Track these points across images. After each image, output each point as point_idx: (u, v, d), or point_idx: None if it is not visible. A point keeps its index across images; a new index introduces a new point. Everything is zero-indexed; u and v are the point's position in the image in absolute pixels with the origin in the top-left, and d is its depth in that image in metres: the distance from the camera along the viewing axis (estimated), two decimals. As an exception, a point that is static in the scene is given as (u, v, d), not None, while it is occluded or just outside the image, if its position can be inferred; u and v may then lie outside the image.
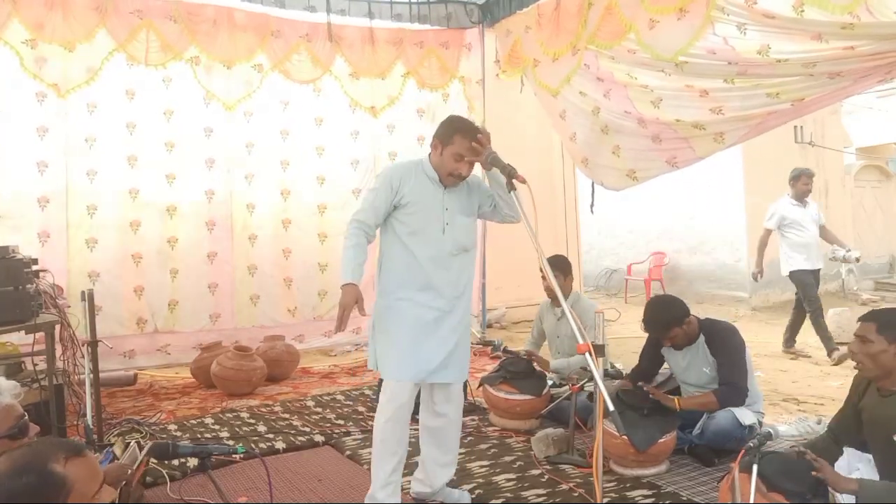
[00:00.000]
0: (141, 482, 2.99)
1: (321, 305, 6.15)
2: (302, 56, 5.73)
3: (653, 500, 3.02)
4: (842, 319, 6.87)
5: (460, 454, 3.55)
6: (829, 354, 5.86)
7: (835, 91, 3.82)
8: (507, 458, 3.55)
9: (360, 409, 4.42)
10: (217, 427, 4.16)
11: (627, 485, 3.17)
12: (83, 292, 3.82)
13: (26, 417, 2.19)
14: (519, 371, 4.07)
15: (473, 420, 4.20)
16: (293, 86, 5.81)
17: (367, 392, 4.78)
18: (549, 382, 4.21)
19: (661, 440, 3.24)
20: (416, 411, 3.01)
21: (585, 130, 5.15)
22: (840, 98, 4.05)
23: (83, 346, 3.86)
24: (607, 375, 3.89)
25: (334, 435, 3.93)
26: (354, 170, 6.20)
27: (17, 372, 3.84)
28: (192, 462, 3.19)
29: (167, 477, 3.18)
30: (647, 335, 3.83)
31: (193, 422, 4.28)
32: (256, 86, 5.66)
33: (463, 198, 2.98)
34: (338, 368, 5.84)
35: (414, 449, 3.13)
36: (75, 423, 3.78)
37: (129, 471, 2.56)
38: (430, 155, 2.97)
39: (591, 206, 5.54)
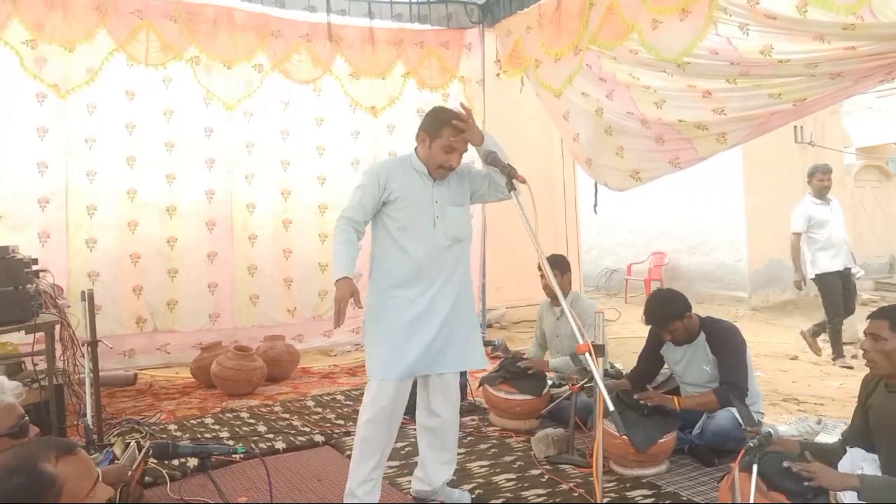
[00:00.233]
0: (140, 482, 2.99)
1: (321, 305, 6.15)
2: (302, 56, 5.72)
3: (653, 500, 3.02)
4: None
5: (460, 454, 3.55)
6: (834, 360, 5.84)
7: (836, 91, 3.82)
8: (507, 458, 3.55)
9: (360, 409, 4.42)
10: (217, 427, 4.16)
11: (627, 485, 3.17)
12: (83, 292, 3.82)
13: (27, 418, 2.20)
14: (519, 371, 4.07)
15: (473, 420, 4.20)
16: (293, 86, 5.80)
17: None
18: (549, 382, 4.21)
19: (661, 440, 3.24)
20: (409, 411, 3.00)
21: (588, 131, 5.15)
22: (841, 98, 4.06)
23: (83, 345, 3.86)
24: (607, 375, 3.89)
25: (334, 435, 3.93)
26: (355, 170, 6.20)
27: (17, 372, 3.84)
28: (192, 462, 3.19)
29: (167, 477, 3.18)
30: (646, 336, 3.84)
31: (193, 422, 4.28)
32: (256, 86, 5.66)
33: (453, 188, 2.95)
34: (338, 368, 5.84)
35: (414, 448, 3.14)
36: (75, 423, 3.77)
37: (129, 471, 2.57)
38: (416, 149, 2.94)
39: (595, 206, 5.54)
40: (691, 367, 3.59)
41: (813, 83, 3.79)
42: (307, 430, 4.04)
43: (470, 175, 3.03)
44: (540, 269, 3.98)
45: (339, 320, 2.64)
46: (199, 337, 5.65)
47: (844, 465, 2.49)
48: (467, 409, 4.43)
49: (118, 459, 3.08)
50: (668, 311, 3.51)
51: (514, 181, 2.67)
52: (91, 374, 3.63)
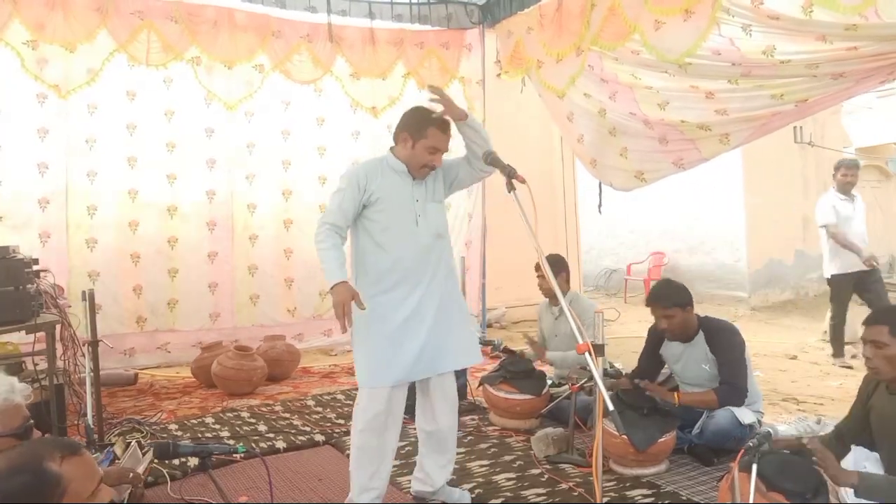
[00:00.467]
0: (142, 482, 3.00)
1: (322, 305, 6.15)
2: (303, 56, 5.73)
3: (652, 499, 3.02)
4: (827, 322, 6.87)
5: (460, 454, 3.56)
6: (834, 358, 5.83)
7: (838, 92, 3.83)
8: (507, 458, 3.56)
9: (361, 408, 4.43)
10: (218, 426, 4.16)
11: (627, 484, 3.18)
12: (84, 292, 3.82)
13: (32, 421, 2.21)
14: (519, 371, 4.08)
15: (473, 420, 4.21)
16: (294, 86, 5.81)
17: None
18: (549, 382, 4.22)
19: (661, 440, 3.25)
20: (409, 410, 2.98)
21: (592, 132, 5.17)
22: (843, 99, 4.07)
23: (84, 345, 3.87)
24: (607, 375, 3.90)
25: (335, 434, 3.93)
26: (356, 170, 6.21)
27: (17, 372, 3.83)
28: (193, 461, 3.20)
29: (168, 476, 3.19)
30: (645, 337, 3.85)
31: (194, 421, 4.29)
32: (257, 86, 5.67)
33: (430, 184, 2.94)
34: (338, 368, 5.85)
35: (413, 448, 3.14)
36: (76, 422, 3.78)
37: (132, 473, 2.57)
38: (393, 149, 2.91)
39: (599, 206, 5.55)
40: (690, 365, 3.59)
41: (815, 84, 3.80)
42: (308, 429, 4.04)
43: (447, 168, 2.99)
44: (537, 268, 4.00)
45: (345, 323, 2.57)
46: (199, 336, 5.67)
47: (847, 463, 2.49)
48: (467, 408, 4.43)
49: (119, 459, 3.09)
50: (672, 294, 3.53)
51: (514, 181, 2.66)
52: (92, 374, 3.64)
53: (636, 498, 3.03)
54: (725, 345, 3.48)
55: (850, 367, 5.61)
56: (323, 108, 6.06)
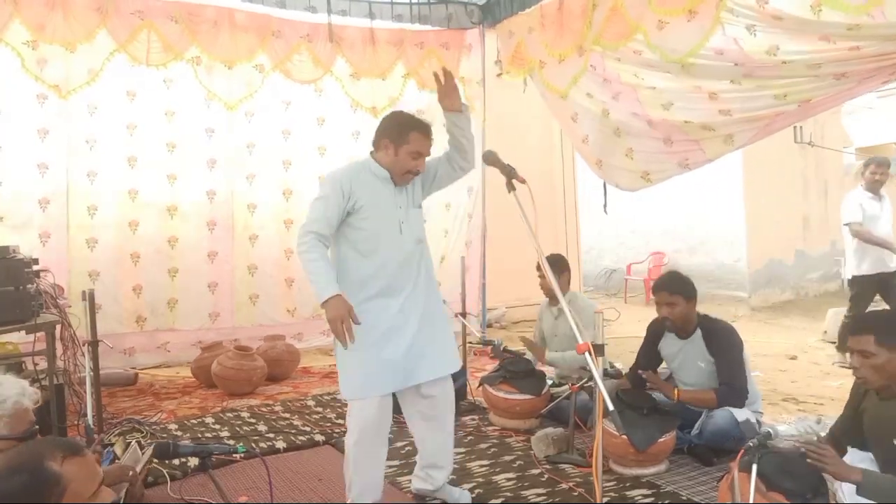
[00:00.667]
0: (142, 482, 3.00)
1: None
2: (303, 56, 5.73)
3: (652, 499, 3.02)
4: (841, 319, 6.86)
5: (460, 453, 3.57)
6: (839, 352, 5.74)
7: (840, 92, 3.83)
8: (507, 458, 3.56)
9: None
10: (218, 426, 4.16)
11: (627, 484, 3.18)
12: (84, 292, 3.82)
13: (37, 427, 2.22)
14: (519, 371, 4.08)
15: (473, 420, 4.21)
16: (294, 86, 5.81)
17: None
18: (549, 382, 4.22)
19: (661, 440, 3.25)
20: (399, 411, 2.97)
21: (597, 133, 5.16)
22: (845, 99, 4.07)
23: (83, 345, 3.87)
24: (606, 375, 3.90)
25: (335, 434, 3.93)
26: (356, 170, 6.21)
27: (17, 372, 3.83)
28: (193, 461, 3.20)
29: (168, 476, 3.19)
30: (644, 336, 3.85)
31: (194, 421, 4.29)
32: (258, 86, 5.67)
33: (410, 189, 2.90)
34: (338, 368, 5.84)
35: (413, 448, 3.14)
36: (76, 422, 3.78)
37: (131, 472, 2.57)
38: (373, 154, 2.86)
39: (605, 206, 5.54)
40: (687, 362, 3.60)
41: (818, 84, 3.80)
42: (308, 429, 4.04)
43: (419, 183, 2.96)
44: (538, 268, 4.00)
45: (347, 338, 2.48)
46: (198, 336, 5.67)
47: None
48: (467, 408, 4.44)
49: (119, 459, 3.09)
50: (680, 283, 3.56)
51: (514, 181, 2.66)
52: (91, 374, 3.64)
53: (636, 498, 3.04)
54: (724, 344, 3.49)
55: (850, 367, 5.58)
56: (323, 108, 6.06)
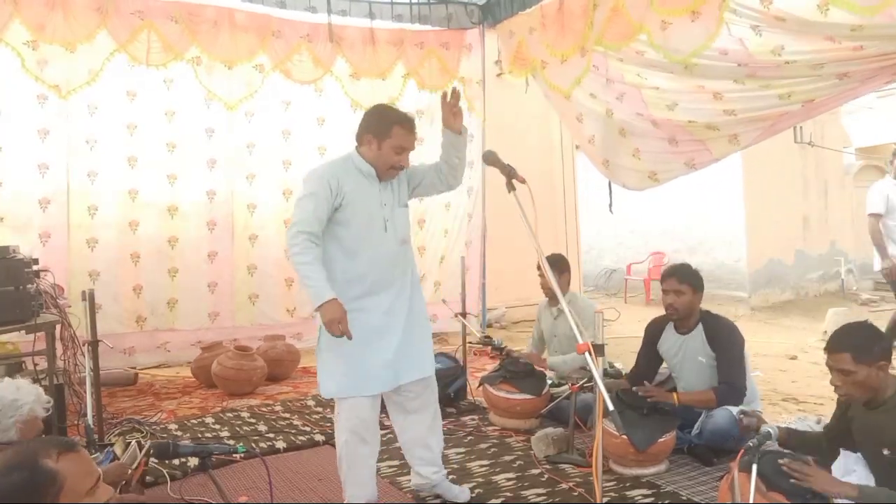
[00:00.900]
0: (141, 482, 3.00)
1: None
2: (303, 56, 5.73)
3: (652, 499, 3.02)
4: (841, 319, 6.87)
5: (460, 454, 3.58)
6: None
7: (844, 91, 3.83)
8: (507, 458, 3.56)
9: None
10: (218, 426, 4.16)
11: (627, 484, 3.18)
12: (84, 292, 3.82)
13: (44, 436, 2.23)
14: (519, 370, 4.08)
15: (473, 419, 4.21)
16: (294, 86, 5.81)
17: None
18: (549, 382, 4.22)
19: (661, 440, 3.25)
20: (384, 411, 2.97)
21: (602, 133, 5.17)
22: (849, 99, 4.06)
23: (83, 345, 3.87)
24: (607, 375, 3.90)
25: (335, 434, 3.92)
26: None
27: (17, 371, 3.84)
28: (193, 461, 3.20)
29: (168, 476, 3.18)
30: (643, 336, 3.85)
31: (194, 421, 4.29)
32: (258, 86, 5.67)
33: (396, 188, 2.88)
34: (338, 368, 5.84)
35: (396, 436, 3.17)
36: (76, 422, 3.78)
37: (129, 470, 2.57)
38: (358, 149, 2.80)
39: (610, 206, 5.55)
40: (687, 358, 3.60)
41: (821, 84, 3.81)
42: (308, 429, 4.05)
43: (412, 174, 2.94)
44: (539, 268, 4.00)
45: (347, 336, 2.53)
46: (198, 336, 5.67)
47: (838, 467, 2.48)
48: (467, 408, 4.44)
49: (119, 459, 3.09)
50: (690, 273, 3.59)
51: (514, 181, 2.66)
52: (91, 374, 3.64)
53: (636, 498, 3.04)
54: (725, 342, 3.49)
55: None
56: (323, 108, 6.06)
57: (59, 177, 5.18)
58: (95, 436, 3.49)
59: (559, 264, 4.22)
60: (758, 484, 2.20)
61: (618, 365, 4.78)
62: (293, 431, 4.00)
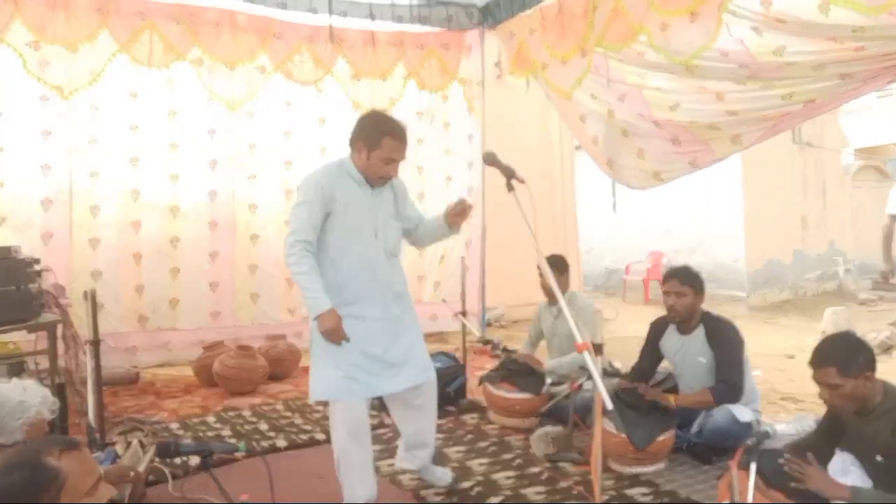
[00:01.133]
0: (143, 481, 3.01)
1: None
2: (304, 57, 5.75)
3: (651, 497, 3.04)
4: (839, 319, 6.89)
5: (460, 452, 3.60)
6: None
7: (846, 91, 3.85)
8: (507, 456, 3.58)
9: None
10: (219, 425, 4.18)
11: (626, 483, 3.20)
12: (85, 292, 3.83)
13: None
14: (518, 369, 4.10)
15: (473, 418, 4.23)
16: (295, 86, 5.84)
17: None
18: (549, 381, 4.23)
19: (660, 438, 3.27)
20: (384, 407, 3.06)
21: (606, 133, 5.18)
22: (851, 98, 4.07)
23: (85, 344, 3.88)
24: (606, 374, 3.91)
25: (331, 436, 3.93)
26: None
27: (19, 371, 3.86)
28: (194, 460, 3.19)
29: (169, 475, 3.19)
30: (646, 335, 3.87)
31: (195, 420, 4.30)
32: (259, 86, 5.70)
33: (390, 200, 2.90)
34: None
35: (395, 434, 3.21)
36: (77, 422, 3.79)
37: (132, 472, 2.59)
38: (351, 155, 2.82)
39: (614, 205, 5.57)
40: (688, 358, 3.62)
41: (823, 84, 3.82)
42: (309, 428, 4.06)
43: (405, 201, 3.00)
44: (539, 268, 4.01)
45: (345, 340, 2.64)
46: (199, 335, 5.68)
47: (835, 467, 2.49)
48: (467, 407, 4.45)
49: (120, 458, 3.11)
50: (692, 275, 3.61)
51: (514, 181, 2.67)
52: (93, 373, 3.65)
53: (635, 496, 3.05)
54: (724, 342, 3.51)
55: None
56: (324, 109, 6.08)
57: (60, 177, 5.20)
58: (97, 435, 3.51)
59: (559, 264, 4.22)
60: (757, 482, 2.21)
61: (617, 364, 4.79)
62: (294, 430, 4.02)
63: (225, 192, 5.83)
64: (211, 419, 4.31)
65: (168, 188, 5.61)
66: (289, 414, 4.38)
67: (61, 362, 4.01)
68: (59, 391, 3.72)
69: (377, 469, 3.34)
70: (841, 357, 2.35)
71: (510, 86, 6.04)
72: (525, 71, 5.69)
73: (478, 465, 3.47)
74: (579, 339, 2.05)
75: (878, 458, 2.34)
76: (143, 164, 5.50)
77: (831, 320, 6.74)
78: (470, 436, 3.92)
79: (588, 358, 2.06)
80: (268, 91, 5.76)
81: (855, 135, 12.04)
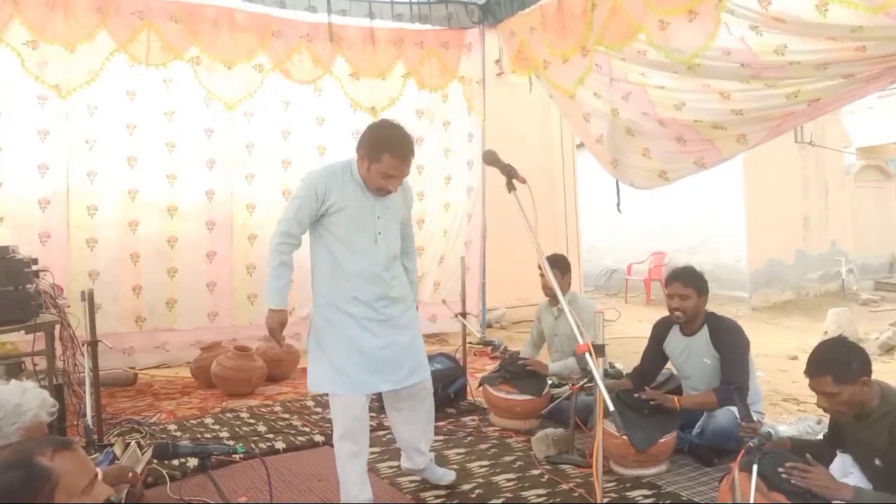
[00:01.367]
0: (142, 483, 2.99)
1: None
2: (303, 56, 5.72)
3: (653, 500, 3.02)
4: (841, 319, 6.87)
5: (460, 454, 3.58)
6: None
7: (850, 91, 3.83)
8: (508, 458, 3.55)
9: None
10: (217, 427, 4.16)
11: (627, 485, 3.18)
12: (83, 292, 3.82)
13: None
14: (519, 371, 4.07)
15: (473, 420, 4.20)
16: (294, 86, 5.80)
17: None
18: (549, 382, 4.21)
19: (662, 440, 3.25)
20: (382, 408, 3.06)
21: (610, 132, 5.16)
22: (855, 98, 4.05)
23: (83, 345, 3.86)
24: (607, 375, 3.89)
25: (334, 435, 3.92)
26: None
27: (17, 372, 3.84)
28: (192, 462, 3.19)
29: (167, 477, 3.17)
30: (649, 335, 3.84)
31: (193, 422, 4.28)
32: (257, 86, 5.66)
33: (397, 202, 2.89)
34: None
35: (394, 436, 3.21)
36: (75, 423, 3.78)
37: (130, 473, 2.56)
38: (356, 159, 2.82)
39: (618, 205, 5.54)
40: (692, 359, 3.60)
41: (827, 83, 3.80)
42: (307, 429, 4.04)
43: (407, 207, 3.01)
44: (540, 268, 3.99)
45: (280, 343, 2.84)
46: (197, 336, 5.66)
47: (835, 468, 2.48)
48: (467, 408, 4.43)
49: (118, 459, 3.08)
50: (694, 276, 3.59)
51: (514, 181, 2.64)
52: (91, 374, 3.63)
53: (637, 498, 3.03)
54: (728, 343, 3.48)
55: None
56: (323, 108, 6.05)
57: (58, 177, 5.17)
58: (95, 436, 3.49)
59: (560, 264, 4.20)
60: (759, 484, 2.19)
61: (618, 365, 4.77)
62: (292, 432, 4.00)
63: (223, 191, 5.80)
64: (209, 420, 4.29)
65: (166, 188, 5.58)
66: (287, 416, 4.36)
67: (59, 363, 3.98)
68: (57, 392, 3.71)
69: (377, 471, 3.33)
70: (836, 365, 2.34)
71: (510, 84, 6.02)
72: (526, 69, 5.66)
73: (478, 467, 3.45)
74: (581, 341, 2.03)
75: (877, 461, 2.34)
76: (141, 163, 5.47)
77: (833, 321, 6.72)
78: (470, 438, 3.90)
79: (589, 359, 2.04)
80: (266, 90, 5.72)
81: (856, 134, 12.02)
